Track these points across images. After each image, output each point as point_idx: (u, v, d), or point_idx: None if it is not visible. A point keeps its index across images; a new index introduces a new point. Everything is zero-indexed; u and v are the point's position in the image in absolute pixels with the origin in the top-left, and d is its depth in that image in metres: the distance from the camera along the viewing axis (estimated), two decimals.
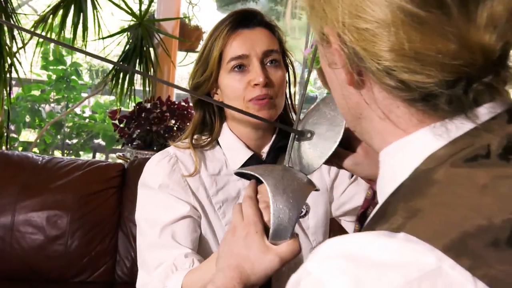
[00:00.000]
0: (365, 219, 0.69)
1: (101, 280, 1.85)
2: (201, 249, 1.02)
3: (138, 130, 2.30)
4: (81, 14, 2.19)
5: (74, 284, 1.82)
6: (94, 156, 3.76)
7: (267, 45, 0.99)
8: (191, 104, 2.38)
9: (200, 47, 2.77)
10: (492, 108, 0.44)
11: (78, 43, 2.35)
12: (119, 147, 3.13)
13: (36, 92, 3.46)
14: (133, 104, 2.34)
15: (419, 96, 0.44)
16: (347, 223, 1.17)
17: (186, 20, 2.66)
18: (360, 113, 0.51)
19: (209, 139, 1.06)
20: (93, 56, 0.79)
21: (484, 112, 0.44)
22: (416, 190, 0.43)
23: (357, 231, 0.71)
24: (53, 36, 2.32)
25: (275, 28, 1.04)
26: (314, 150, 0.78)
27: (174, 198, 1.00)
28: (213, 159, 1.06)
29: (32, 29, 2.17)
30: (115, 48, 2.26)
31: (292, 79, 1.07)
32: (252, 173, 0.77)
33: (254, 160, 1.02)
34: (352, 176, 1.13)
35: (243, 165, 1.01)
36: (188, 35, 2.65)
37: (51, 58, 3.35)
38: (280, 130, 1.06)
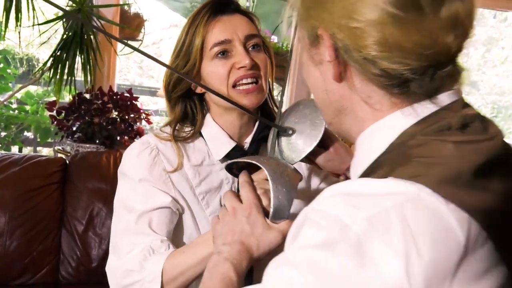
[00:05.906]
0: None
1: (44, 282, 1.75)
2: (179, 239, 1.02)
3: (79, 123, 2.19)
4: None
5: (14, 287, 1.71)
6: (20, 151, 3.50)
7: (248, 29, 0.99)
8: (135, 95, 2.29)
9: (141, 35, 2.70)
10: (450, 96, 0.57)
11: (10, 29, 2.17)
12: (53, 140, 2.96)
13: None
14: (71, 95, 2.21)
15: (397, 82, 0.55)
16: None
17: (126, 7, 2.55)
18: (341, 105, 0.61)
19: (191, 131, 1.04)
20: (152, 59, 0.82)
21: (445, 99, 0.57)
22: (395, 156, 0.55)
23: None
24: None
25: (252, 16, 1.04)
26: (295, 146, 0.88)
27: (155, 189, 0.99)
28: (195, 150, 1.04)
29: None
30: (52, 35, 2.12)
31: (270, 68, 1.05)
32: (249, 161, 0.85)
33: (237, 150, 1.02)
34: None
35: (226, 156, 1.02)
36: (128, 23, 2.54)
37: None
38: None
